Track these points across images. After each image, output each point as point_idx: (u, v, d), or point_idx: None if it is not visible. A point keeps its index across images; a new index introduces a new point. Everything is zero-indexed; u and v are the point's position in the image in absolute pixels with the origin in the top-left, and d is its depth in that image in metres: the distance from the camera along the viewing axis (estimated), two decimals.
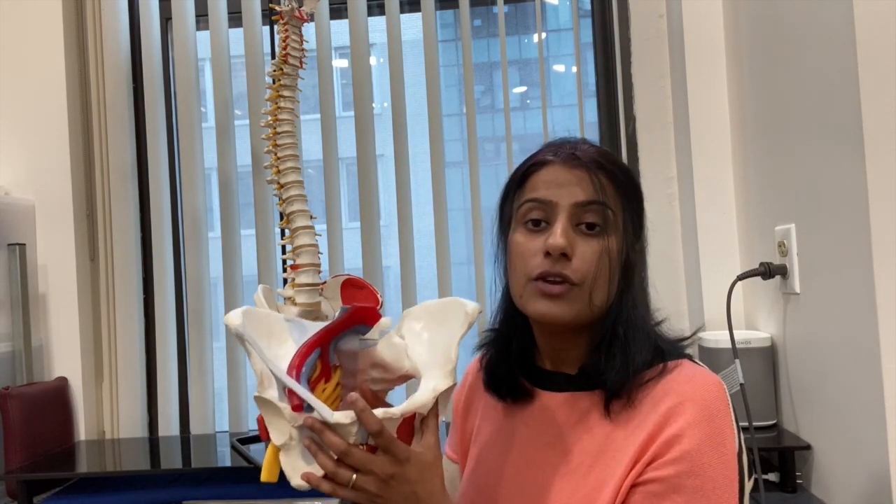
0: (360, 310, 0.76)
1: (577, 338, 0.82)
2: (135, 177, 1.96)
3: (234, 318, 0.71)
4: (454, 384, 0.74)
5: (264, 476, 0.73)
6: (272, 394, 0.70)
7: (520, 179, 0.83)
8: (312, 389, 0.74)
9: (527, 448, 0.84)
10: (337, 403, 0.78)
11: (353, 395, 0.69)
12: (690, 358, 0.82)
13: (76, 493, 1.60)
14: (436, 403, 0.74)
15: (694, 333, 0.87)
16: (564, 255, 0.76)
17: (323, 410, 0.67)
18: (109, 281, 1.92)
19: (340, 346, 0.79)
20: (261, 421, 0.73)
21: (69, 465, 1.65)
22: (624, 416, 0.78)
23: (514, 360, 0.87)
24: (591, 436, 0.79)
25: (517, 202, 0.83)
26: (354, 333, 0.79)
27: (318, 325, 0.77)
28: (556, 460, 0.80)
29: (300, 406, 0.68)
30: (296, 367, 0.70)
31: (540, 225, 0.80)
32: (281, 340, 0.76)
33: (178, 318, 1.97)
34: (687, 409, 0.73)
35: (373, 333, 0.78)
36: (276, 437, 0.70)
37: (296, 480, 0.71)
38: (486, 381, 0.90)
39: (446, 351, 0.75)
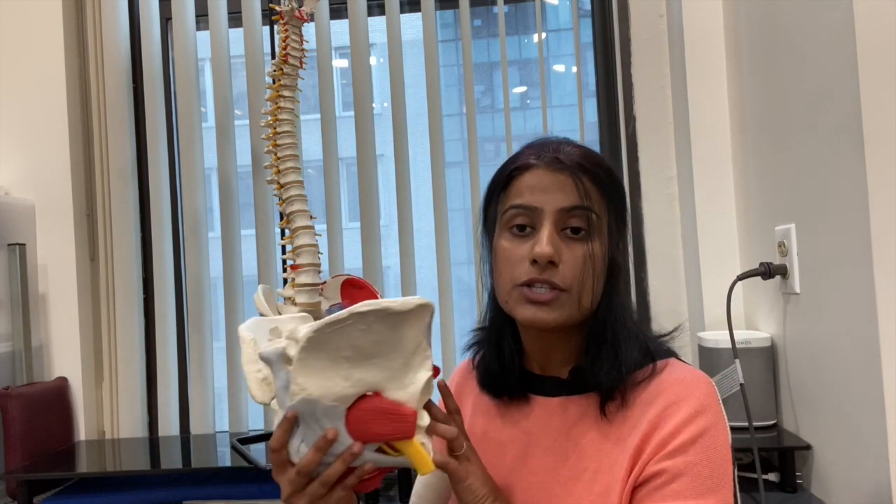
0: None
1: (565, 340, 0.82)
2: (135, 177, 1.96)
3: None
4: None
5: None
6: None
7: (503, 182, 0.83)
8: None
9: (525, 452, 0.84)
10: None
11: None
12: (676, 356, 0.83)
13: (76, 493, 1.60)
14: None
15: (674, 330, 0.86)
16: (551, 263, 0.77)
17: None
18: (109, 281, 1.92)
19: None
20: None
21: (69, 465, 1.65)
22: (619, 418, 0.79)
23: (505, 362, 0.87)
24: (588, 440, 0.80)
25: (501, 206, 0.82)
26: None
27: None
28: (558, 465, 0.81)
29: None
30: None
31: (525, 230, 0.80)
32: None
33: (178, 318, 1.97)
34: (681, 409, 0.75)
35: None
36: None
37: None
38: (482, 381, 0.90)
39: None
